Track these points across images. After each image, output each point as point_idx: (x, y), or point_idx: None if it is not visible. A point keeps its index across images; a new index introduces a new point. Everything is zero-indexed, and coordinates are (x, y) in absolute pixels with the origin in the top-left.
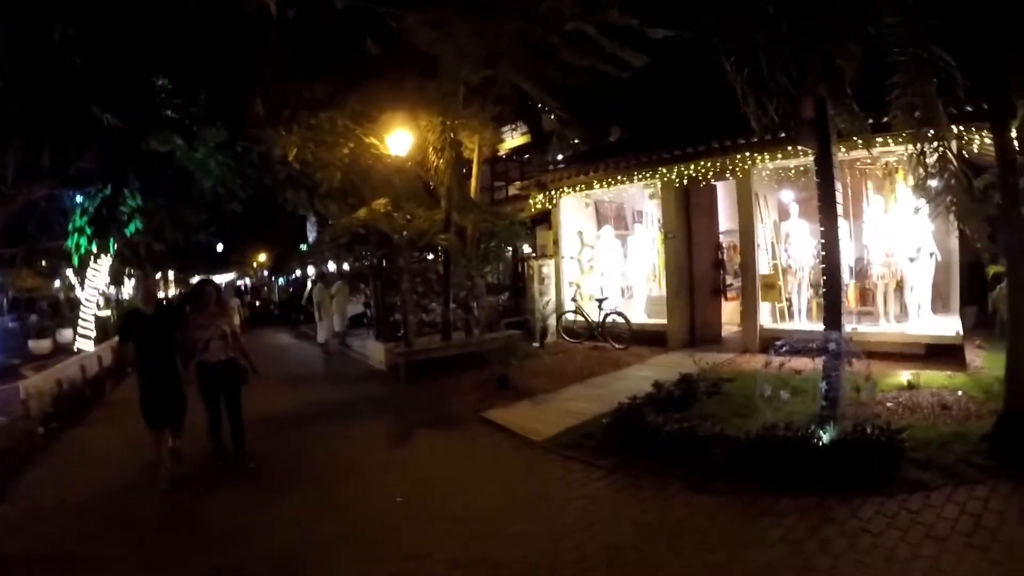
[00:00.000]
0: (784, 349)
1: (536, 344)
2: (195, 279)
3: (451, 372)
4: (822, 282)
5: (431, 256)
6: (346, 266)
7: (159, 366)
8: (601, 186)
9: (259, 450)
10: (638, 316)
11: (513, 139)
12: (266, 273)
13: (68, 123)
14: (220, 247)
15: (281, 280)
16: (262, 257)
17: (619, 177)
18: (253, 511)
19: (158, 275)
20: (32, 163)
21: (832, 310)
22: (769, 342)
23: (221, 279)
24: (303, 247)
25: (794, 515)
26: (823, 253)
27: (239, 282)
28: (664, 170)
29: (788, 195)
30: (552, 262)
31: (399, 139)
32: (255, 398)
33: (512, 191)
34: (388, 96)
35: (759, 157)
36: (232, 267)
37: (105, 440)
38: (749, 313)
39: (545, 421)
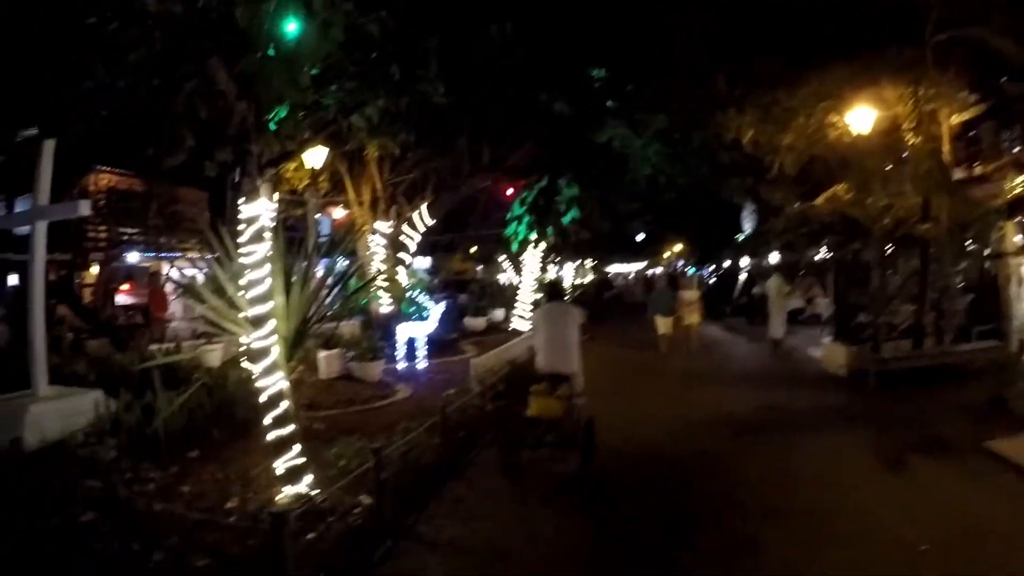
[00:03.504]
0: None
1: None
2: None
3: (923, 385)
4: None
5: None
6: (776, 257)
7: None
8: None
9: (725, 455)
10: None
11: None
12: (681, 263)
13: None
14: (640, 236)
15: (691, 270)
16: (677, 247)
17: None
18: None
19: (578, 262)
20: (475, 158)
21: None
22: None
23: (631, 268)
24: (739, 237)
25: None
26: None
27: (647, 272)
28: None
29: None
30: None
31: (861, 115)
32: (707, 394)
33: (958, 174)
34: (845, 68)
35: None
36: (644, 256)
37: None
38: None
39: None
